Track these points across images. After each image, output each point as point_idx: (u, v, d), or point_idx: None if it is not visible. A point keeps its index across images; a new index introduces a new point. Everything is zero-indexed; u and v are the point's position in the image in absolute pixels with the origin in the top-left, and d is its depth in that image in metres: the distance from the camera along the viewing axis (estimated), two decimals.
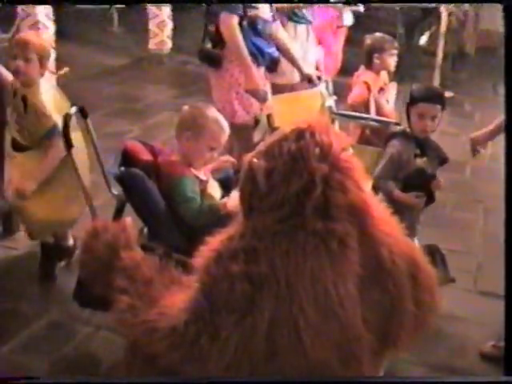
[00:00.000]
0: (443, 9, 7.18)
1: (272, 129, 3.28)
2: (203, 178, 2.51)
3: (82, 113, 2.73)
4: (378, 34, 4.02)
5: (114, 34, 9.28)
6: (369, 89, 3.82)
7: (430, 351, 2.80)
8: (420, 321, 1.78)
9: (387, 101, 3.92)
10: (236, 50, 3.36)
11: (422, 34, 7.95)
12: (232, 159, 2.73)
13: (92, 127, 2.77)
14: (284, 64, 3.81)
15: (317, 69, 4.49)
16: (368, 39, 3.97)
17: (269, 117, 3.34)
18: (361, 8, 5.85)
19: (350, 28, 6.53)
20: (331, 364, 1.53)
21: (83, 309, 2.55)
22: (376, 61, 3.86)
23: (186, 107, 2.59)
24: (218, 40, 3.42)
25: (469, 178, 4.84)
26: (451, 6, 7.50)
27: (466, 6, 7.97)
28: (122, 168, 2.49)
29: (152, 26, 7.87)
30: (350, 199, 1.57)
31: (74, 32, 8.26)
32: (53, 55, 6.03)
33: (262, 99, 3.40)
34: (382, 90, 3.89)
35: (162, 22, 7.84)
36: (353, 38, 6.54)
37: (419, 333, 1.85)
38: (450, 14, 7.42)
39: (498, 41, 9.38)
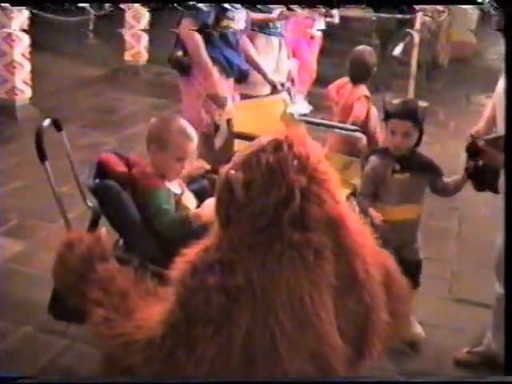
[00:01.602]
0: (417, 20, 7.27)
1: (232, 134, 3.32)
2: (177, 190, 2.52)
3: (56, 125, 2.72)
4: (359, 47, 4.03)
5: (90, 45, 9.26)
6: (368, 101, 3.87)
7: (406, 359, 2.83)
8: (394, 331, 1.80)
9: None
10: (196, 55, 3.39)
11: (397, 45, 8.05)
12: (206, 165, 2.74)
13: (67, 139, 2.77)
14: (255, 76, 3.85)
15: (291, 80, 4.54)
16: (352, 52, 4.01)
17: (229, 122, 3.39)
18: (336, 19, 5.92)
19: (326, 39, 6.62)
20: (308, 375, 1.54)
21: (58, 321, 2.53)
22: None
23: (152, 120, 2.60)
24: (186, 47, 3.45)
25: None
26: (425, 17, 7.61)
27: (441, 17, 8.09)
28: (97, 180, 2.49)
29: (128, 37, 7.87)
30: (326, 211, 1.58)
31: (49, 43, 8.22)
32: (28, 67, 6.02)
33: (222, 105, 3.43)
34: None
35: (137, 33, 7.84)
36: (329, 49, 6.63)
37: (393, 342, 1.87)
38: (423, 25, 7.53)
39: (471, 52, 9.56)
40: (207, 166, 2.74)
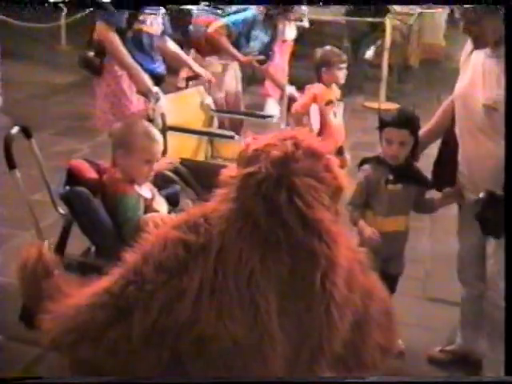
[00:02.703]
0: (388, 23, 7.35)
1: (165, 127, 3.39)
2: (147, 194, 2.52)
3: (26, 133, 2.71)
4: (326, 48, 4.07)
5: (62, 52, 9.19)
6: (315, 100, 3.87)
7: None
8: (385, 344, 1.83)
9: (334, 114, 3.96)
10: (118, 58, 3.40)
11: (368, 48, 8.12)
12: (174, 160, 2.76)
13: (37, 147, 2.75)
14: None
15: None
16: (317, 52, 4.02)
17: (162, 116, 3.43)
18: (306, 23, 5.95)
19: (297, 43, 6.65)
20: (244, 345, 1.58)
21: (30, 330, 2.51)
22: (324, 75, 3.91)
23: (115, 125, 2.61)
24: (100, 49, 3.45)
25: None
26: (395, 21, 7.70)
27: (411, 20, 8.18)
28: (67, 187, 2.48)
29: None
30: (312, 213, 1.59)
31: (20, 51, 8.15)
32: None
33: (155, 100, 3.45)
34: (331, 102, 3.93)
35: None
36: (300, 52, 6.66)
37: (387, 356, 1.88)
38: (394, 29, 7.61)
39: (441, 54, 9.67)
40: (176, 161, 2.75)
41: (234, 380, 1.61)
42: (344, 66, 3.98)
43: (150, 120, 3.39)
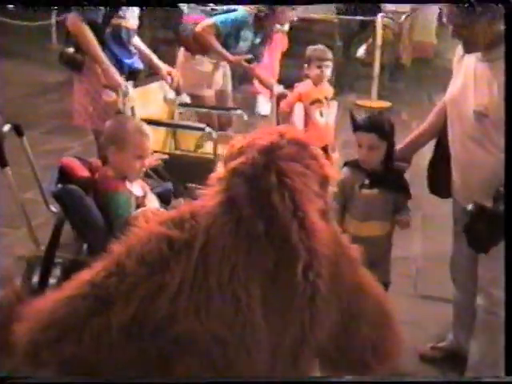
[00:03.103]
0: (379, 21, 7.36)
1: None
2: (139, 192, 2.52)
3: (17, 131, 2.70)
4: (316, 46, 4.07)
5: (53, 50, 9.15)
6: (300, 99, 3.88)
7: None
8: (385, 346, 1.82)
9: (321, 113, 3.95)
10: (90, 50, 3.40)
11: (360, 47, 8.13)
12: (163, 155, 2.77)
13: (28, 145, 2.74)
14: None
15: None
16: (307, 50, 4.03)
17: (132, 109, 3.47)
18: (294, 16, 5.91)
19: (289, 41, 6.65)
20: (225, 341, 1.58)
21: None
22: (306, 71, 3.93)
23: (107, 122, 2.61)
24: (79, 44, 3.46)
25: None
26: (386, 19, 7.71)
27: (402, 18, 8.20)
28: (59, 185, 2.48)
29: None
30: (297, 205, 1.59)
31: (11, 49, 8.12)
32: None
33: (124, 94, 3.46)
34: (318, 101, 3.93)
35: None
36: (292, 51, 6.66)
37: (390, 359, 1.87)
38: (385, 27, 7.62)
39: (432, 52, 9.70)
40: (165, 156, 2.76)
41: (232, 380, 1.61)
42: (328, 63, 3.96)
43: (120, 114, 3.44)
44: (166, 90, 3.88)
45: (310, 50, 4.00)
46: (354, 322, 1.75)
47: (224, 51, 4.27)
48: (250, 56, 4.42)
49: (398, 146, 2.79)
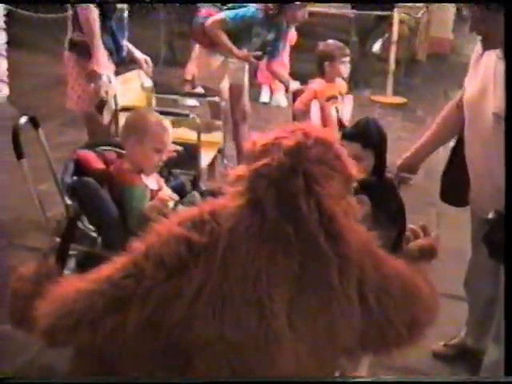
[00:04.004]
0: (395, 16, 7.32)
1: (117, 108, 3.55)
2: (154, 186, 2.52)
3: (33, 123, 2.71)
4: (329, 41, 4.05)
5: None
6: (315, 96, 3.86)
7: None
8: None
9: (337, 109, 3.93)
10: (90, 36, 3.43)
11: (375, 42, 8.09)
12: (178, 147, 2.76)
13: (44, 137, 2.75)
14: None
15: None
16: (320, 45, 4.01)
17: (115, 97, 3.52)
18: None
19: (304, 36, 6.63)
20: (245, 350, 1.54)
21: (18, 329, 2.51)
22: (327, 68, 3.89)
23: (127, 114, 2.62)
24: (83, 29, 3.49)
25: (422, 182, 4.92)
26: (403, 14, 7.66)
27: (419, 13, 8.13)
28: (75, 177, 2.48)
29: None
30: (323, 204, 1.57)
31: (27, 41, 8.14)
32: (5, 64, 5.96)
33: (108, 81, 3.50)
34: (333, 98, 3.91)
35: None
36: (307, 46, 6.64)
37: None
38: (401, 22, 7.57)
39: (449, 48, 9.63)
40: (179, 148, 2.76)
41: (237, 380, 1.59)
42: (347, 59, 3.96)
43: (103, 101, 3.50)
44: (142, 77, 3.91)
45: (327, 45, 3.97)
46: (381, 323, 1.70)
47: (232, 46, 4.26)
48: (258, 53, 4.41)
49: (404, 155, 2.72)
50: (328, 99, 3.88)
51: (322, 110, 3.84)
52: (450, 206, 2.78)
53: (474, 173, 2.44)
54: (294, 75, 4.79)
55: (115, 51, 3.63)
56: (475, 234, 2.62)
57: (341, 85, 4.03)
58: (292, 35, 5.99)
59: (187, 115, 3.64)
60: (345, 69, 3.95)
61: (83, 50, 3.50)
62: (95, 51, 3.44)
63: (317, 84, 3.92)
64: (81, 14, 3.43)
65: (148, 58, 3.94)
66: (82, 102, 3.59)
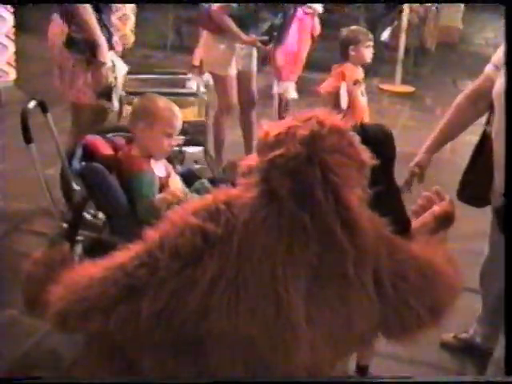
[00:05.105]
0: (405, 5, 7.26)
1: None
2: (162, 173, 2.51)
3: (42, 107, 2.70)
4: (353, 27, 4.06)
5: None
6: (344, 79, 3.85)
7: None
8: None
9: (362, 92, 3.93)
10: (90, 30, 3.49)
11: (384, 30, 8.04)
12: (181, 137, 2.76)
13: (52, 122, 2.74)
14: None
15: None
16: (343, 31, 3.99)
17: (116, 79, 3.66)
18: (319, 9, 5.84)
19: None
20: (261, 343, 1.53)
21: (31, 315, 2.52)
22: (352, 53, 3.88)
23: (136, 99, 2.60)
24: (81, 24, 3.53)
25: (430, 171, 4.89)
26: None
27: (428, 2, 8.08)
28: (83, 163, 2.47)
29: (114, 20, 7.78)
30: (339, 195, 1.55)
31: (35, 25, 8.11)
32: (12, 48, 5.94)
33: (113, 65, 3.62)
34: (358, 82, 3.91)
35: (124, 15, 7.77)
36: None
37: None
38: (411, 10, 7.52)
39: (458, 37, 9.57)
40: (181, 138, 2.76)
41: (237, 380, 1.59)
42: (371, 43, 3.97)
43: (111, 87, 3.58)
44: (115, 59, 3.88)
45: (351, 31, 3.97)
46: (400, 297, 1.68)
47: (238, 31, 4.23)
48: (265, 37, 4.38)
49: (420, 152, 2.70)
50: (355, 83, 3.87)
51: (349, 93, 3.83)
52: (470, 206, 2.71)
53: (499, 168, 2.38)
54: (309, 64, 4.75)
55: (108, 39, 3.67)
56: (495, 231, 2.60)
57: (361, 70, 4.02)
58: (316, 26, 5.91)
59: (195, 94, 3.73)
60: (369, 53, 3.95)
61: (82, 45, 3.54)
62: (99, 43, 3.50)
63: (345, 67, 3.90)
64: (78, 11, 3.47)
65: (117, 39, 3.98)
66: (83, 95, 3.62)
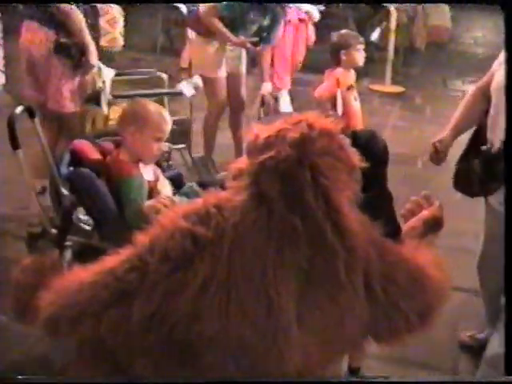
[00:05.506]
0: (392, 6, 7.28)
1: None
2: (151, 177, 2.50)
3: (30, 112, 2.69)
4: (343, 31, 4.07)
5: None
6: (338, 85, 3.85)
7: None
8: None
9: (355, 97, 3.92)
10: (81, 35, 3.50)
11: (373, 30, 8.05)
12: (166, 146, 2.75)
13: (40, 127, 2.73)
14: None
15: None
16: (334, 36, 3.99)
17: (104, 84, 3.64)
18: (316, 16, 5.83)
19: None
20: (252, 345, 1.52)
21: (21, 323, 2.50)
22: (343, 57, 3.87)
23: (125, 103, 2.60)
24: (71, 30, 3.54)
25: (420, 171, 4.91)
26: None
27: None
28: (71, 168, 2.46)
29: (103, 23, 7.75)
30: (328, 196, 1.55)
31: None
32: (1, 53, 5.91)
33: (99, 69, 3.61)
34: (351, 87, 3.90)
35: (113, 18, 7.74)
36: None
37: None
38: (399, 10, 7.53)
39: (447, 36, 9.58)
40: (167, 145, 2.75)
41: (237, 380, 1.58)
42: (362, 47, 3.97)
43: (99, 91, 3.56)
44: (99, 63, 3.87)
45: (341, 35, 3.97)
46: (389, 300, 1.68)
47: (227, 33, 4.22)
48: (255, 38, 4.37)
49: (441, 136, 2.69)
50: (348, 88, 3.86)
51: (343, 99, 3.82)
52: (465, 195, 2.74)
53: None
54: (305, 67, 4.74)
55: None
56: (489, 225, 2.62)
57: (354, 74, 4.02)
58: (311, 35, 5.89)
59: (180, 93, 3.82)
60: (361, 57, 3.94)
61: (70, 51, 3.53)
62: (89, 46, 3.52)
63: (338, 73, 3.89)
64: (69, 15, 3.48)
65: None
66: (69, 103, 3.60)
